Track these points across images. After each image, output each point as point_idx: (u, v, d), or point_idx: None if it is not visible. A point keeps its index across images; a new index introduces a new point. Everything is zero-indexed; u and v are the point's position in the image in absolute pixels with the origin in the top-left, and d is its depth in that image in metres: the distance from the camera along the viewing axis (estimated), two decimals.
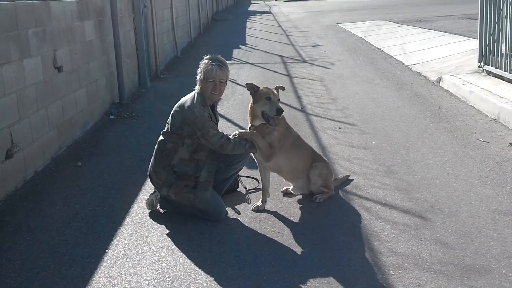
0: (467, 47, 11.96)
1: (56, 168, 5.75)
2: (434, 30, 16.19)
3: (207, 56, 4.51)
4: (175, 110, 4.43)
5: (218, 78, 4.39)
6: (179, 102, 4.46)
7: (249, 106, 4.59)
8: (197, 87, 4.46)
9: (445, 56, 11.67)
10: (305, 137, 6.11)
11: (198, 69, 4.46)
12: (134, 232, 4.28)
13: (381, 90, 9.32)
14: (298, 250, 3.92)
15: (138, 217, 4.56)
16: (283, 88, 4.72)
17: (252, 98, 4.54)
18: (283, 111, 4.45)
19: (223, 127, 6.99)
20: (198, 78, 4.44)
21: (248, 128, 4.65)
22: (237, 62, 12.95)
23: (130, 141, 6.70)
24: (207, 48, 15.63)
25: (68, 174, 5.59)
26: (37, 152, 5.63)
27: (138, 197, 4.95)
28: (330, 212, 4.53)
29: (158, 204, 4.66)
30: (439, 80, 9.58)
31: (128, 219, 4.52)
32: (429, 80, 9.90)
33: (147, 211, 4.66)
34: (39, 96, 5.71)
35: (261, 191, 4.77)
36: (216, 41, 17.69)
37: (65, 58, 6.45)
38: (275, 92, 4.54)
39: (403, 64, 11.77)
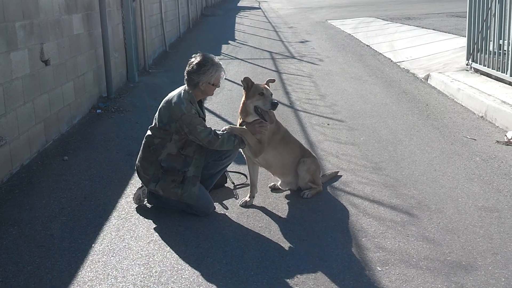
0: (455, 45, 12.03)
1: (42, 162, 5.70)
2: (423, 27, 16.27)
3: (213, 57, 4.44)
4: (162, 106, 4.42)
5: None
6: (166, 98, 4.44)
7: (241, 103, 4.58)
8: (186, 87, 4.41)
9: (433, 53, 11.72)
10: (294, 132, 6.11)
11: (203, 69, 4.33)
12: (121, 227, 4.26)
13: (369, 86, 9.35)
14: (285, 245, 3.92)
15: (125, 211, 4.54)
16: (273, 81, 4.73)
17: (245, 94, 4.53)
18: (278, 104, 4.46)
19: (211, 122, 6.97)
20: (200, 79, 4.35)
21: (238, 124, 4.65)
22: (226, 58, 12.91)
23: (117, 136, 6.66)
24: (196, 43, 15.58)
25: (55, 168, 5.55)
26: (24, 146, 5.59)
27: (125, 192, 4.93)
28: (317, 208, 4.54)
29: (146, 199, 4.64)
30: (427, 77, 9.63)
31: (115, 213, 4.50)
32: (417, 77, 9.94)
33: (134, 205, 4.64)
34: (26, 89, 5.66)
35: (249, 187, 4.77)
36: (205, 36, 17.64)
37: (52, 51, 6.40)
38: (267, 87, 4.54)
39: (391, 61, 11.81)
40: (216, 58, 4.49)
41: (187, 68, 4.43)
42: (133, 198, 4.68)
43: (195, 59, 4.41)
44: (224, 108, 7.89)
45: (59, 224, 4.30)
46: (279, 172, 4.82)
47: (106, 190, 4.97)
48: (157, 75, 10.75)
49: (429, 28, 15.84)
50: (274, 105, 4.42)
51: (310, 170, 4.73)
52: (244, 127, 4.54)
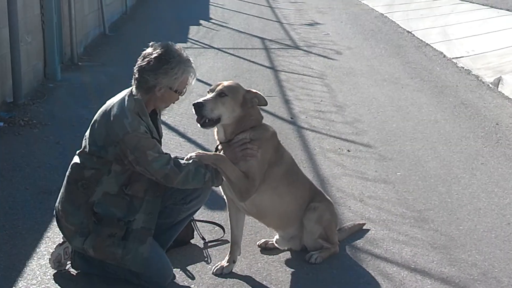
0: None
1: None
2: (492, 6, 16.44)
3: (181, 50, 4.45)
4: (96, 121, 4.41)
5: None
6: (103, 108, 4.43)
7: None
8: (134, 91, 4.40)
9: (508, 46, 11.82)
10: (296, 161, 6.12)
11: (164, 66, 4.34)
12: None
13: (411, 94, 9.41)
14: None
15: (36, 280, 4.51)
16: (264, 102, 4.70)
17: None
18: (195, 105, 4.42)
19: (172, 144, 6.97)
20: (158, 81, 4.36)
21: (214, 148, 4.67)
22: (196, 46, 12.96)
23: (27, 162, 6.63)
24: (150, 23, 15.60)
25: None
26: None
27: (37, 250, 4.90)
28: (331, 279, 4.55)
29: (69, 262, 4.61)
30: (498, 82, 9.70)
31: (20, 283, 4.46)
32: (483, 82, 10.03)
33: (52, 271, 4.59)
34: None
35: (227, 245, 4.77)
36: (164, 12, 17.66)
37: None
38: (223, 83, 4.58)
39: (444, 56, 11.91)
40: (185, 52, 4.50)
41: (139, 62, 4.41)
42: (49, 260, 4.63)
43: (154, 51, 4.40)
44: (190, 123, 7.85)
45: None
46: (277, 224, 4.83)
47: (9, 247, 4.93)
48: (91, 71, 10.74)
49: (501, 8, 16.00)
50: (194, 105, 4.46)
51: (322, 221, 4.74)
52: (221, 152, 4.56)
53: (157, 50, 4.40)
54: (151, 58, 4.38)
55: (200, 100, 4.47)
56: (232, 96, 4.53)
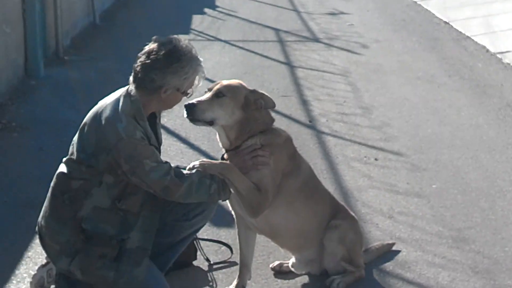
0: None
1: None
2: None
3: (191, 47, 4.42)
4: (86, 124, 4.39)
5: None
6: (94, 110, 4.42)
7: None
8: (133, 91, 4.37)
9: None
10: (315, 172, 6.11)
11: (175, 65, 4.32)
12: None
13: (449, 95, 9.41)
14: None
15: None
16: (271, 104, 4.67)
17: None
18: (186, 106, 4.43)
19: (172, 151, 6.97)
20: (166, 81, 4.34)
21: (220, 157, 4.66)
22: (199, 38, 12.96)
23: (6, 172, 6.66)
24: (146, 11, 15.59)
25: None
26: None
27: (17, 272, 4.91)
28: None
29: (53, 286, 4.60)
30: None
31: None
32: None
33: None
34: None
35: (236, 267, 4.77)
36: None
37: None
38: (222, 82, 4.59)
39: (487, 51, 11.88)
40: (194, 48, 4.48)
41: (142, 59, 4.36)
42: (30, 283, 4.64)
43: (161, 47, 4.35)
44: (193, 127, 7.80)
45: None
46: (293, 245, 4.82)
47: None
48: (78, 66, 10.76)
49: None
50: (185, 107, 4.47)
51: (345, 241, 4.74)
52: (228, 161, 4.55)
53: (165, 46, 4.37)
54: (159, 55, 4.34)
55: (193, 100, 4.46)
56: (232, 96, 4.51)
